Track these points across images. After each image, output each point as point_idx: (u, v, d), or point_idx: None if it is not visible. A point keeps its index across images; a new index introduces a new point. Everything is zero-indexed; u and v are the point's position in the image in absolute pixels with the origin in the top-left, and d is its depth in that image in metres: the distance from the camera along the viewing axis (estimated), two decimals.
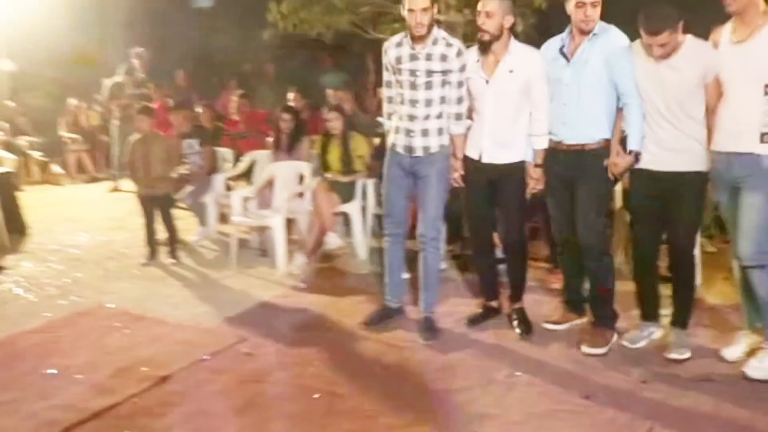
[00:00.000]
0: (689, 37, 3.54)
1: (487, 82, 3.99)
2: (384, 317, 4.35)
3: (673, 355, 3.73)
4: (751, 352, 3.63)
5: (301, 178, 6.03)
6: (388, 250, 4.34)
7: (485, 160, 4.08)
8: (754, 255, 3.47)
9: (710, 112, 3.57)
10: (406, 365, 3.80)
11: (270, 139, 6.57)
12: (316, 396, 3.44)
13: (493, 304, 4.40)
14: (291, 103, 7.31)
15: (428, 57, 4.01)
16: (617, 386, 3.49)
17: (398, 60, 4.07)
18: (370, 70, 9.92)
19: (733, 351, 3.72)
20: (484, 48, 3.97)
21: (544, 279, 5.00)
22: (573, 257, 4.09)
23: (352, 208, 5.81)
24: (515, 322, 4.20)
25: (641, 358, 3.79)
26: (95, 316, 4.60)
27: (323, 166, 5.94)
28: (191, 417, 3.27)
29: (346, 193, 5.76)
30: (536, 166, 4.02)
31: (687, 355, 3.73)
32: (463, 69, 4.03)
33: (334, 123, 5.90)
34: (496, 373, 3.67)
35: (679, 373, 3.60)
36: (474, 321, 4.31)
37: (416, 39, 3.99)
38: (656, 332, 3.96)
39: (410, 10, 3.91)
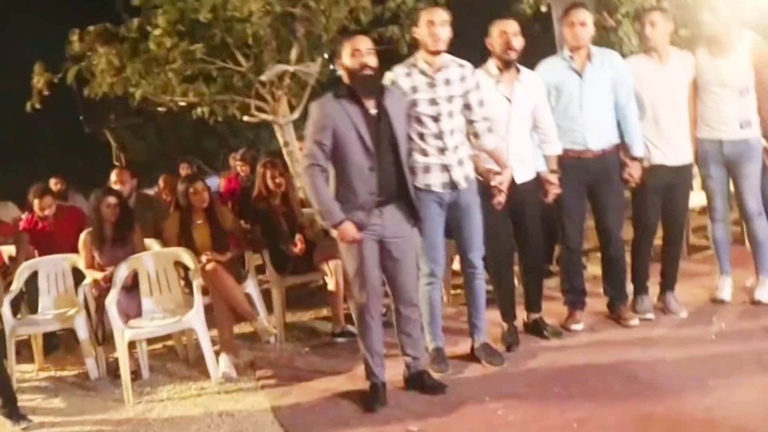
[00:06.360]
0: None
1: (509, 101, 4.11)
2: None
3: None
4: None
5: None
6: (431, 294, 4.09)
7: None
8: None
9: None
10: None
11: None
12: None
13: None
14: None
15: (447, 82, 3.85)
16: None
17: (413, 90, 3.84)
18: None
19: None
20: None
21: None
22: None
23: (250, 288, 5.32)
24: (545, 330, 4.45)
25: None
26: None
27: (187, 247, 5.09)
28: None
29: (233, 273, 5.10)
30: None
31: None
32: (478, 86, 3.97)
33: (202, 195, 5.22)
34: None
35: None
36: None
37: (432, 62, 3.82)
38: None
39: (430, 22, 3.77)
